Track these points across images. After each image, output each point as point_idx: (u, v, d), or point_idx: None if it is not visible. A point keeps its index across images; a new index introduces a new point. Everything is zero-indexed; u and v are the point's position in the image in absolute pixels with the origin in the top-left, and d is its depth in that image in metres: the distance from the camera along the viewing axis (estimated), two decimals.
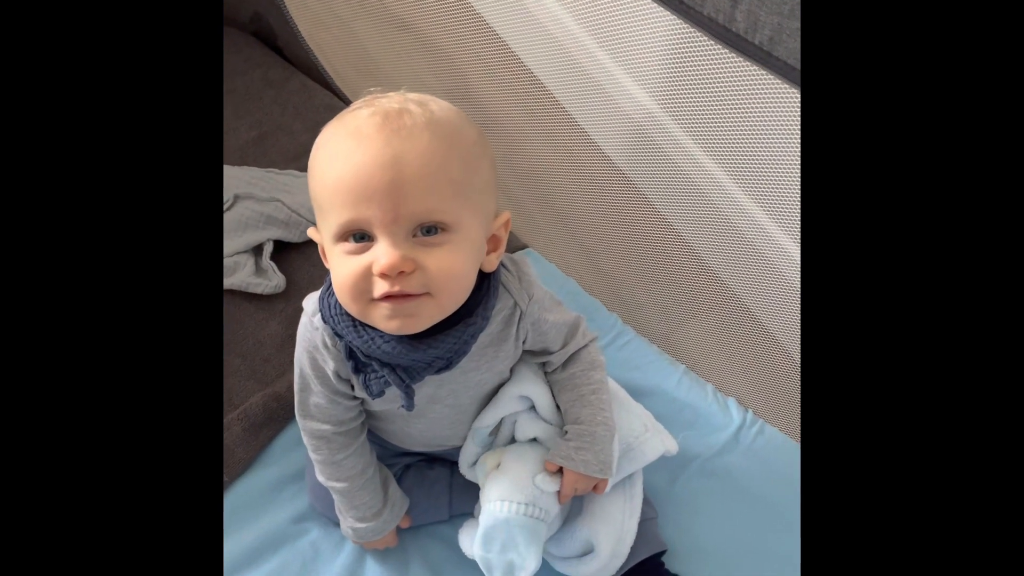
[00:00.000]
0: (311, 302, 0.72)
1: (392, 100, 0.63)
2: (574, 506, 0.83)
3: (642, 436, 0.83)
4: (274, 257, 1.09)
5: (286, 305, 1.06)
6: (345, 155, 0.60)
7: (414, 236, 0.61)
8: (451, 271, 0.62)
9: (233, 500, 0.90)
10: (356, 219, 0.60)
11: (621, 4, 0.84)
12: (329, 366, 0.72)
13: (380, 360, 0.67)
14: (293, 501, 0.91)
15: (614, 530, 0.81)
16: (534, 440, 0.81)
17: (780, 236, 0.99)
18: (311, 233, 0.69)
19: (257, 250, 1.09)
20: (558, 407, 0.81)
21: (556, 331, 0.77)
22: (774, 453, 1.00)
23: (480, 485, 0.80)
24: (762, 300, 1.06)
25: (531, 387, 0.79)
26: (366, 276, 0.61)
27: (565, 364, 0.80)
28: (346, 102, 1.32)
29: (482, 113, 1.14)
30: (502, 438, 0.81)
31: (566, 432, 0.78)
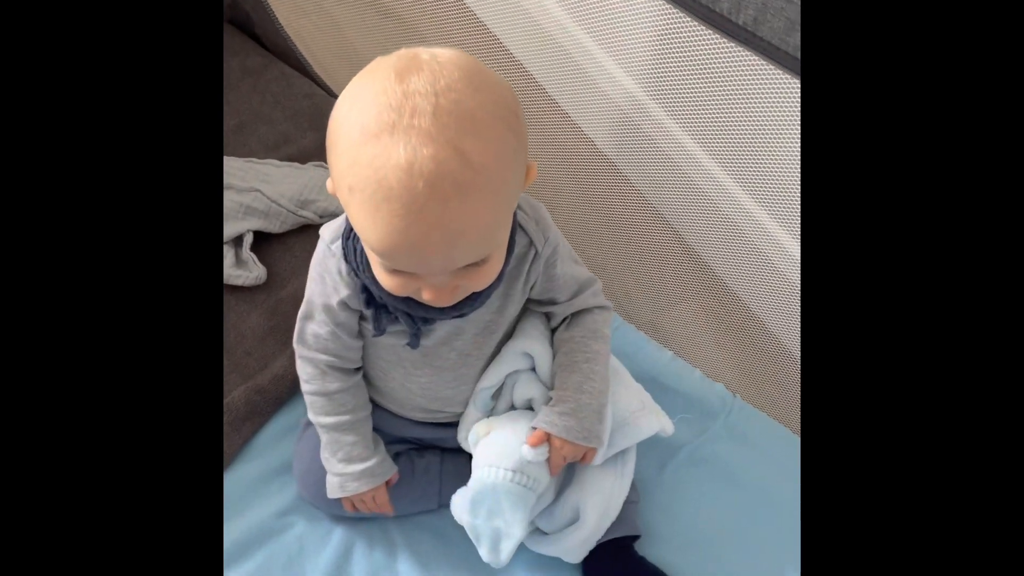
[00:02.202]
0: (330, 231, 0.71)
1: (421, 124, 0.53)
2: (565, 477, 0.83)
3: (638, 412, 0.83)
4: (254, 248, 1.07)
5: (267, 297, 1.05)
6: (382, 216, 0.55)
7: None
8: (490, 278, 0.65)
9: None
10: (395, 266, 0.61)
11: None
12: (341, 293, 0.72)
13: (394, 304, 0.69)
14: (278, 495, 0.90)
15: (602, 500, 0.81)
16: (528, 409, 0.80)
17: (765, 219, 0.99)
18: (328, 184, 0.64)
19: (237, 241, 1.07)
20: None
21: (565, 281, 0.77)
22: (762, 439, 1.00)
23: (472, 453, 0.80)
24: (748, 285, 1.06)
25: (535, 344, 0.79)
26: (412, 290, 0.63)
27: (569, 324, 0.80)
28: (326, 90, 1.30)
29: None
30: (504, 403, 0.81)
31: (551, 398, 0.78)
